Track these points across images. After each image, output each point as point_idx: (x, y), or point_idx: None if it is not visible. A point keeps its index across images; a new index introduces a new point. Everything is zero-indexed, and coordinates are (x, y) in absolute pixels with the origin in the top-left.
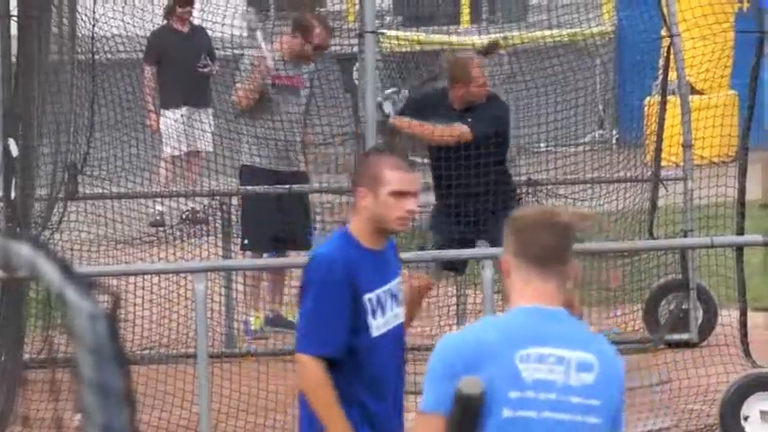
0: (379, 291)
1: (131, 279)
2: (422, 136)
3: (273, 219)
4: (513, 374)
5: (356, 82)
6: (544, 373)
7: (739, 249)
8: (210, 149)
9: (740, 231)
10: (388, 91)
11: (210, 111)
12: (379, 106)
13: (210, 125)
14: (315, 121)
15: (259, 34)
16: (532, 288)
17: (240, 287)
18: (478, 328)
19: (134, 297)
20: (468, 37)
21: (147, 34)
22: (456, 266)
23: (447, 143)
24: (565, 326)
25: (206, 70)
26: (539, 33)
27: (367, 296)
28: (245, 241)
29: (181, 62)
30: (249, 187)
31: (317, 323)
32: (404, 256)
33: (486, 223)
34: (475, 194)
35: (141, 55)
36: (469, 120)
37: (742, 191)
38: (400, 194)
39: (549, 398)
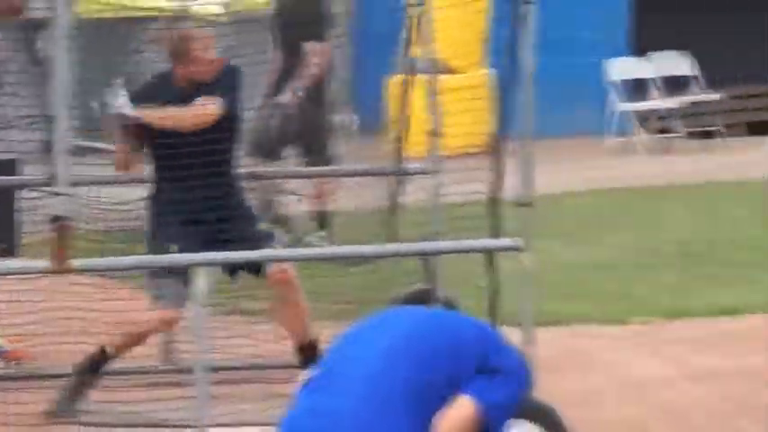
0: None
1: None
2: (173, 126)
3: None
4: None
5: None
6: None
7: (489, 254)
8: None
9: (495, 233)
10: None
11: None
12: (104, 105)
13: None
14: None
15: None
16: None
17: None
18: None
19: None
20: (188, 1)
21: None
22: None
23: (202, 126)
24: None
25: None
26: None
27: None
28: None
29: None
30: None
31: None
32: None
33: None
34: (210, 189)
35: None
36: (217, 94)
37: (496, 186)
38: None
39: None
